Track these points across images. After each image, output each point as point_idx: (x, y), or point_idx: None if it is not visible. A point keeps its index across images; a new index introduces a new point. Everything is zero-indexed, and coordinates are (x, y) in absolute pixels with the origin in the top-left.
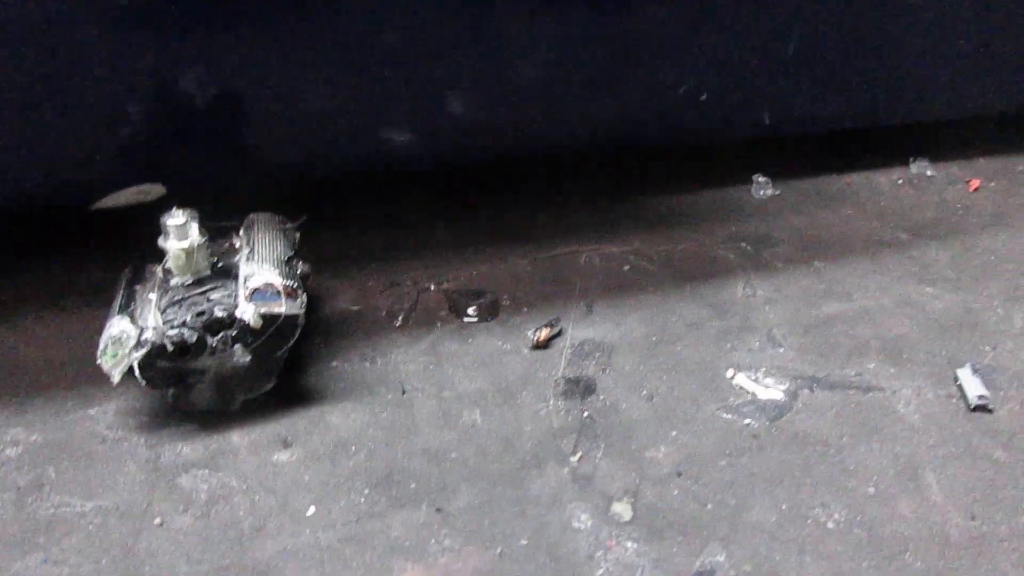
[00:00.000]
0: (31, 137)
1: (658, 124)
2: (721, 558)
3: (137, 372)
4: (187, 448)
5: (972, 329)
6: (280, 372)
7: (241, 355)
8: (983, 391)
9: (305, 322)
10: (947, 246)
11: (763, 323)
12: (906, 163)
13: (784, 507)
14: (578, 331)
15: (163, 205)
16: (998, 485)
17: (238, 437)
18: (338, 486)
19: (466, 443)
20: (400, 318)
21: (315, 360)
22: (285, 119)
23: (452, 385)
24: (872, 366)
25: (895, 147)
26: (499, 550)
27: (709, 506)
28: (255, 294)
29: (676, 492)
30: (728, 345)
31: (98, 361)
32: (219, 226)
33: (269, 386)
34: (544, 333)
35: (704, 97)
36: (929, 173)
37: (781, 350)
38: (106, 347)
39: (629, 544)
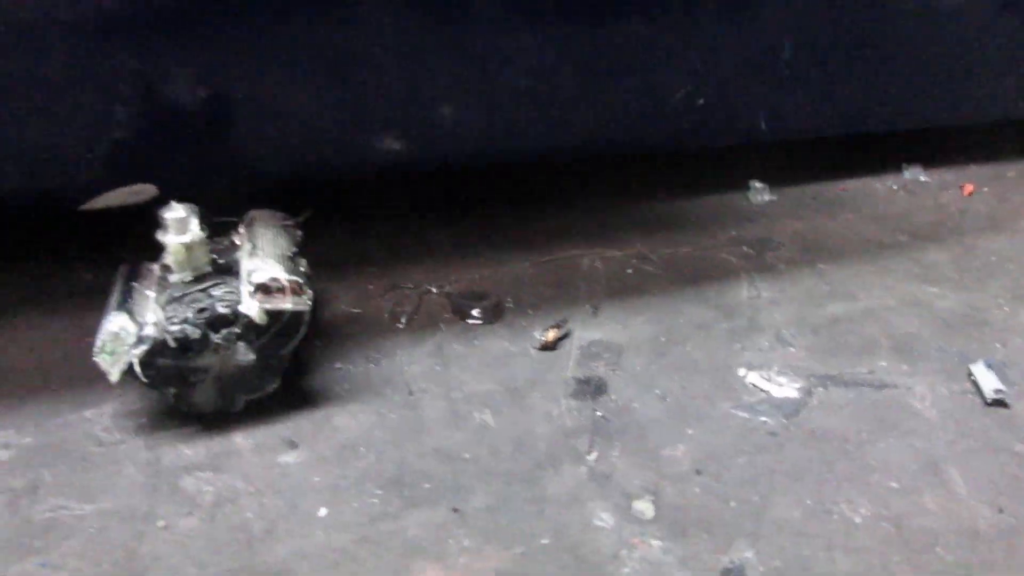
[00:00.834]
0: (16, 140)
1: (654, 130)
2: (749, 555)
3: (138, 369)
4: (188, 450)
5: (980, 327)
6: (284, 372)
7: (245, 353)
8: (1000, 385)
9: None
10: (947, 248)
11: (771, 323)
12: (899, 170)
13: (808, 503)
14: (585, 332)
15: (155, 205)
16: (1022, 478)
17: (241, 439)
18: (349, 487)
19: (478, 443)
20: (403, 320)
21: (317, 363)
22: (274, 124)
23: (460, 386)
24: (884, 364)
25: (888, 154)
26: (520, 550)
27: (732, 503)
28: (259, 290)
29: (697, 490)
30: (738, 345)
31: (95, 359)
32: (219, 222)
33: (273, 387)
34: (552, 334)
35: (701, 102)
36: (922, 179)
37: (791, 349)
38: (104, 344)
39: (654, 542)
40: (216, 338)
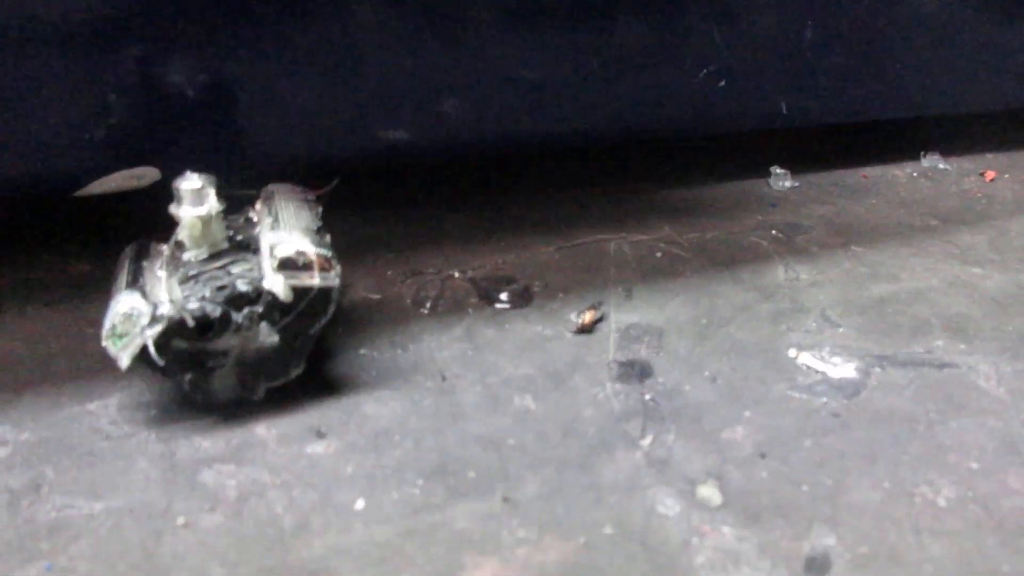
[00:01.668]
0: (8, 125)
1: (674, 113)
2: (831, 541)
3: (153, 352)
4: (206, 442)
5: None
6: (308, 356)
7: (268, 334)
8: None
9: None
10: (980, 231)
11: (814, 304)
12: (916, 157)
13: (886, 485)
14: (621, 315)
15: (157, 191)
16: None
17: (264, 429)
18: (387, 478)
19: (523, 429)
20: (427, 306)
21: (340, 349)
22: (276, 111)
23: (496, 371)
24: (940, 343)
25: (905, 142)
26: (582, 540)
27: (804, 487)
28: (284, 264)
29: (765, 474)
30: (783, 326)
31: (104, 343)
32: (236, 194)
33: (297, 372)
34: (589, 316)
35: (722, 84)
36: (941, 166)
37: (840, 330)
38: (114, 327)
39: (726, 529)
40: (237, 318)
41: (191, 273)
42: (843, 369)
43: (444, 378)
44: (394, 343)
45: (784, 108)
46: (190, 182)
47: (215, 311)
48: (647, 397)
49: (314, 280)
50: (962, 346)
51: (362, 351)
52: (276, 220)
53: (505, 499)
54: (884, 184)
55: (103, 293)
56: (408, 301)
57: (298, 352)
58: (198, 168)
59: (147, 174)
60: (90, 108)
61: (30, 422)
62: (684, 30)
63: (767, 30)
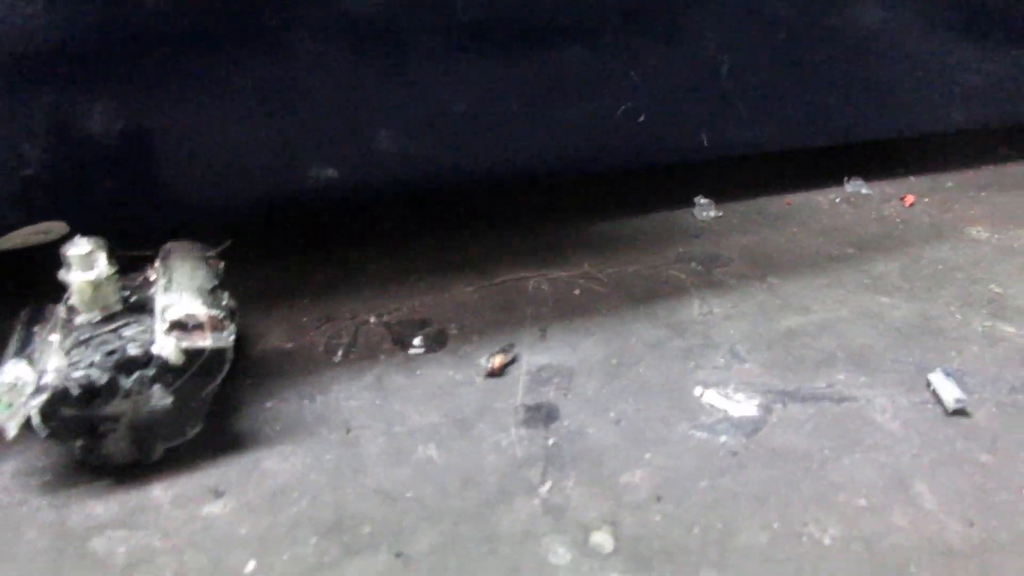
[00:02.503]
0: None
1: (596, 150)
2: None
3: (37, 422)
4: (100, 507)
5: (934, 335)
6: (207, 415)
7: (161, 397)
8: (960, 394)
9: (233, 357)
10: (894, 258)
11: (724, 339)
12: (840, 183)
13: (775, 526)
14: (533, 357)
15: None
16: (990, 489)
17: (160, 491)
18: (280, 537)
19: (423, 481)
20: (339, 353)
21: (246, 402)
22: (198, 156)
23: (402, 420)
24: (842, 376)
25: (828, 168)
26: None
27: (696, 530)
28: (175, 327)
29: (658, 518)
30: (692, 363)
31: None
32: (131, 255)
33: (194, 431)
34: (499, 360)
35: (642, 119)
36: (864, 191)
37: (747, 365)
38: None
39: None
40: (127, 382)
41: (82, 337)
42: (745, 407)
43: (349, 430)
44: (302, 394)
45: (705, 140)
46: (78, 247)
47: (101, 378)
48: (551, 442)
49: (206, 341)
50: (863, 379)
51: (268, 404)
52: (170, 281)
53: (398, 555)
54: (807, 211)
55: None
56: (320, 349)
57: (194, 412)
58: (110, 220)
59: (54, 228)
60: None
61: None
62: (601, 67)
63: (684, 64)
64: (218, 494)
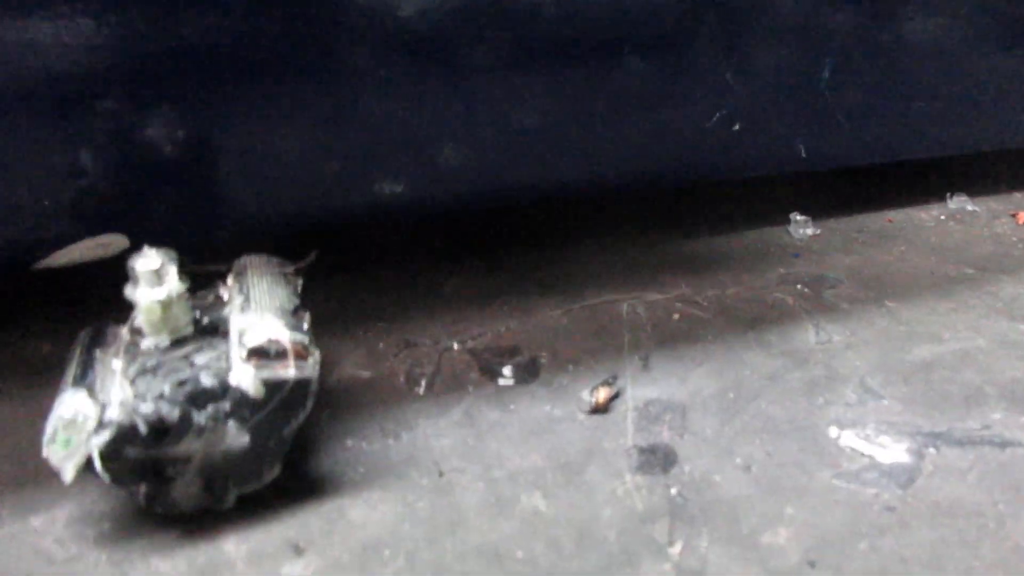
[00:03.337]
0: None
1: (687, 161)
2: None
3: (98, 465)
4: (165, 564)
5: None
6: (286, 456)
7: (237, 435)
8: None
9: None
10: (1018, 279)
11: (852, 371)
12: (942, 198)
13: None
14: (638, 390)
15: (126, 258)
16: None
17: (233, 545)
18: None
19: (532, 537)
20: (423, 384)
21: (324, 440)
22: (263, 169)
23: (500, 463)
24: (998, 416)
25: (929, 182)
26: None
27: None
28: (254, 354)
29: None
30: (820, 399)
31: (44, 453)
32: (202, 271)
33: (272, 476)
34: (603, 394)
35: (737, 127)
36: (969, 208)
37: (884, 402)
38: (55, 433)
39: None
40: (200, 418)
41: (149, 364)
42: (893, 451)
43: (441, 473)
44: (385, 431)
45: (803, 151)
46: (147, 261)
47: (172, 413)
48: (673, 492)
49: (289, 372)
50: (1023, 419)
51: (349, 442)
52: (247, 300)
53: None
54: (911, 229)
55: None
56: (401, 379)
57: (273, 453)
58: (172, 233)
59: (114, 241)
60: (56, 169)
61: None
62: (694, 71)
63: (783, 69)
64: (299, 551)
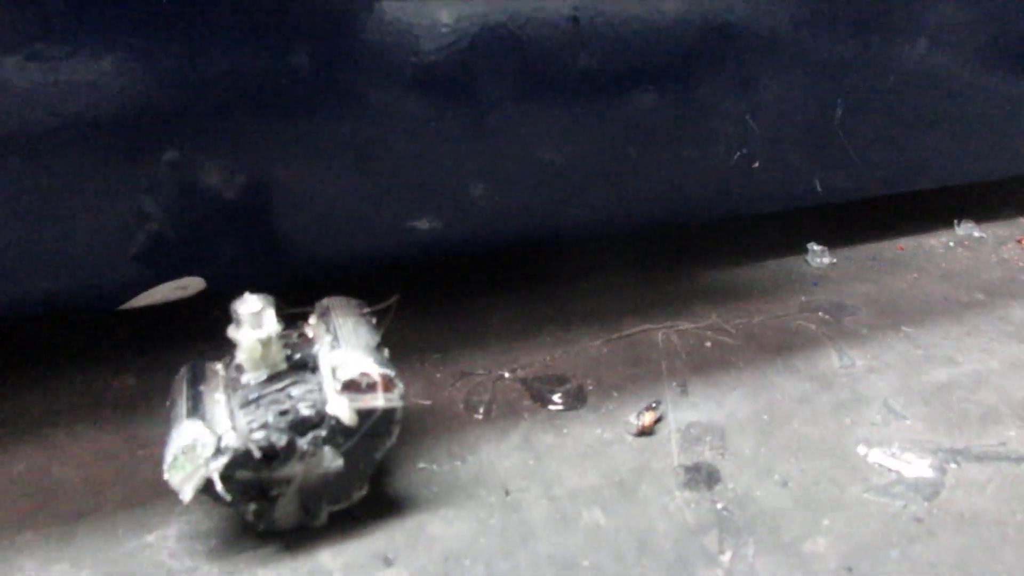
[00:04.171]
0: (45, 241)
1: (710, 199)
2: None
3: (219, 486)
4: (271, 574)
5: None
6: (371, 478)
7: (332, 459)
8: None
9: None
10: None
11: (875, 394)
12: (950, 225)
13: None
14: (679, 413)
15: (201, 300)
16: None
17: (329, 557)
18: None
19: (596, 547)
20: (481, 411)
21: (398, 463)
22: (314, 211)
23: (560, 482)
24: (1012, 433)
25: (937, 210)
26: None
27: None
28: (348, 386)
29: None
30: (848, 420)
31: (165, 476)
32: (289, 313)
33: (360, 495)
34: (649, 417)
35: (757, 165)
36: (977, 234)
37: (907, 422)
38: (176, 459)
39: None
40: (302, 444)
41: (251, 397)
42: (917, 467)
43: (508, 492)
44: (452, 454)
45: (818, 186)
46: (249, 305)
47: (280, 440)
48: (719, 506)
49: (378, 402)
50: None
51: (421, 464)
52: (336, 338)
53: None
54: (922, 256)
55: (150, 410)
56: (460, 406)
57: (361, 474)
58: (240, 275)
59: (191, 284)
60: (128, 217)
61: (89, 559)
62: (716, 114)
63: (799, 111)
64: (388, 561)
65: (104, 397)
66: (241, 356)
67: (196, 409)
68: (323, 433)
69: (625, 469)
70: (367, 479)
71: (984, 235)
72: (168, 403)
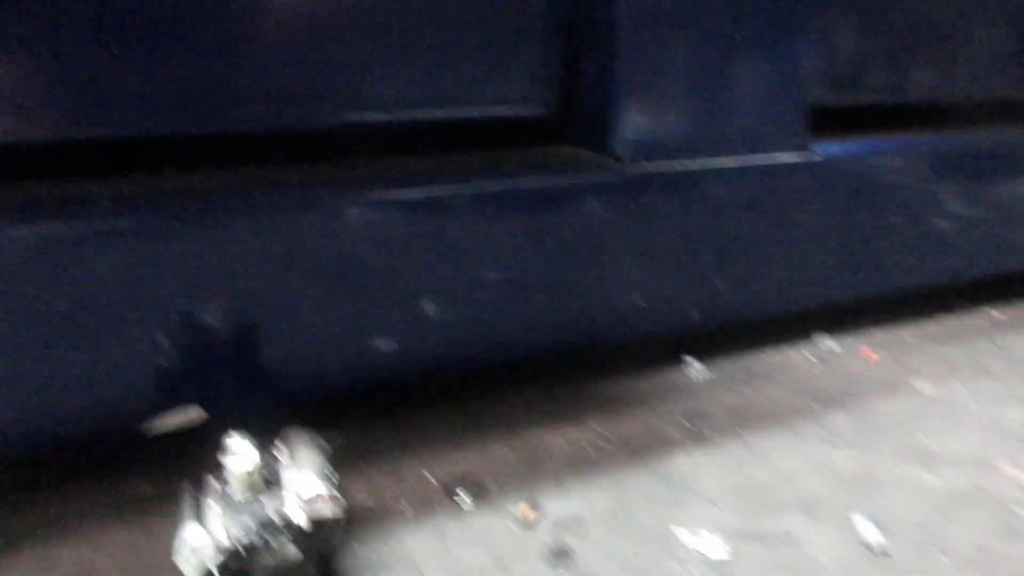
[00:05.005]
0: (73, 374)
1: (605, 325)
2: None
3: (216, 574)
4: None
5: (869, 483)
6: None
7: (295, 554)
8: (881, 538)
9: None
10: (848, 412)
11: (703, 488)
12: (812, 339)
13: None
14: (553, 505)
15: (202, 426)
16: None
17: None
18: None
19: None
20: (405, 506)
21: (344, 552)
22: (293, 340)
23: (457, 561)
24: (790, 519)
25: (804, 324)
26: None
27: None
28: (306, 503)
29: None
30: (678, 510)
31: (180, 565)
32: (262, 440)
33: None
34: (526, 507)
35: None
36: (832, 348)
37: (719, 511)
38: (186, 554)
39: None
40: (273, 543)
41: (239, 509)
42: (716, 548)
43: (421, 573)
44: (383, 541)
45: (696, 315)
46: (236, 442)
47: (260, 542)
48: None
49: (328, 513)
50: (807, 522)
51: (360, 552)
52: (296, 463)
53: None
54: (786, 369)
55: (177, 512)
56: (389, 503)
57: (317, 563)
58: (225, 403)
59: (193, 413)
60: (142, 355)
61: None
62: (609, 264)
63: (676, 250)
64: None
65: (129, 502)
66: (231, 479)
67: (199, 516)
68: (288, 535)
69: (506, 551)
70: (322, 568)
71: (838, 349)
72: (176, 508)
